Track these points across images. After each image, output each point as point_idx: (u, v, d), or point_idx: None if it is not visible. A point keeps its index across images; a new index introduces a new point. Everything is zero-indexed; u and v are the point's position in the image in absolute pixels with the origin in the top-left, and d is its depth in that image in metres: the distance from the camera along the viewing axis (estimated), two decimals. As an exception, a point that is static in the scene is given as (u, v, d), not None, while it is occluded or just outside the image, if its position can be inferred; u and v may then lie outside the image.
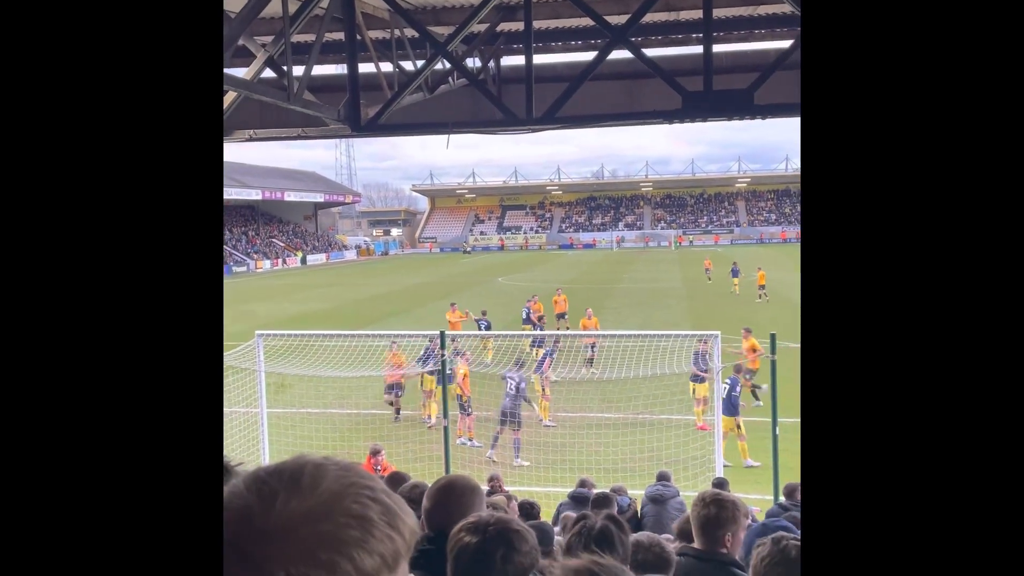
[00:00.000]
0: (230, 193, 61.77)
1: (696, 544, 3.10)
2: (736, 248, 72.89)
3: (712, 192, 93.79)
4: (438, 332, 10.90)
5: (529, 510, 6.06)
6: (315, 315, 30.39)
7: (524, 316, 21.48)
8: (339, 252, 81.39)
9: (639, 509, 7.16)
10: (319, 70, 8.68)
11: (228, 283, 42.01)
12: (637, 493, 7.85)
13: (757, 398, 14.32)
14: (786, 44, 7.09)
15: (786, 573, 1.99)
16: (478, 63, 8.62)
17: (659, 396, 12.92)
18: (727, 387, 11.56)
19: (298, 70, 6.90)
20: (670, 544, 3.61)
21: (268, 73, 6.85)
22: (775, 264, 49.63)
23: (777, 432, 8.87)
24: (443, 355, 9.93)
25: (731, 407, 11.53)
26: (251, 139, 8.59)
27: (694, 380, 13.20)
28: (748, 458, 11.48)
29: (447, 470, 9.72)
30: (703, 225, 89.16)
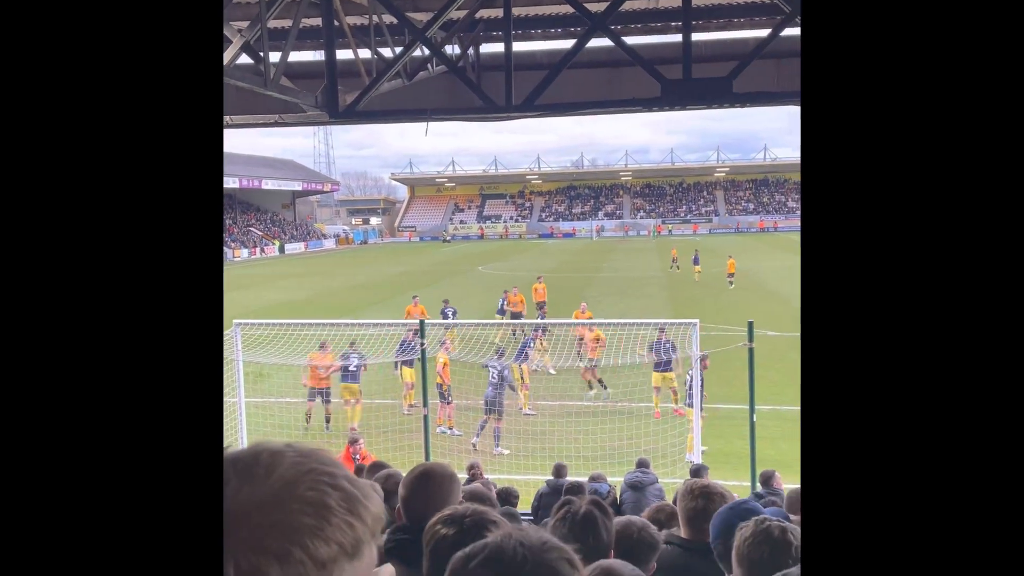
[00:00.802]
0: (207, 181, 60.88)
1: (683, 534, 3.12)
2: (714, 237, 73.33)
3: (691, 181, 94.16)
4: (417, 321, 10.87)
5: (507, 497, 6.08)
6: (294, 304, 30.20)
7: (499, 307, 21.37)
8: (318, 241, 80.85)
9: (618, 496, 7.21)
10: (296, 56, 8.58)
11: (205, 272, 41.38)
12: (617, 480, 7.89)
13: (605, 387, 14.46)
14: (764, 33, 7.11)
15: (770, 552, 2.01)
16: (457, 50, 8.57)
17: (638, 384, 13.00)
18: (690, 378, 11.55)
19: (275, 56, 6.82)
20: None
21: (244, 59, 6.76)
22: (754, 253, 49.98)
23: (755, 419, 8.94)
24: (423, 344, 9.89)
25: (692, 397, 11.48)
26: (228, 126, 8.48)
27: (657, 369, 13.04)
28: (690, 452, 11.51)
29: (427, 458, 9.72)
30: (682, 214, 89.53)
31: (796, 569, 1.67)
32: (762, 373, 10.93)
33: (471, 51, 8.83)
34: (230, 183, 67.31)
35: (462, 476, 6.52)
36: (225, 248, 63.07)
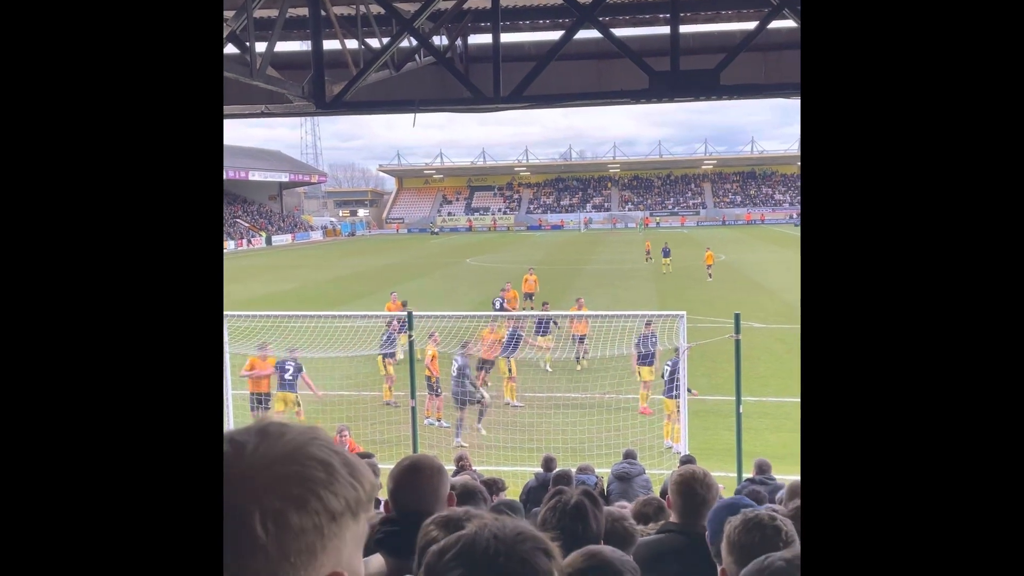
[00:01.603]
0: (193, 172, 60.44)
1: (676, 519, 3.15)
2: (702, 229, 73.54)
3: (679, 174, 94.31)
4: (405, 312, 10.85)
5: (492, 486, 6.10)
6: (281, 296, 30.07)
7: (498, 306, 21.10)
8: (305, 233, 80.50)
9: (605, 487, 7.24)
10: (283, 47, 8.52)
11: (191, 264, 41.11)
12: (604, 471, 7.92)
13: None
14: (752, 25, 7.12)
15: (760, 538, 2.02)
16: (445, 41, 8.53)
17: (626, 376, 13.04)
18: (668, 369, 11.52)
19: (261, 46, 6.76)
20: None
21: (230, 49, 6.71)
22: (740, 245, 50.17)
23: (741, 411, 8.99)
24: (410, 336, 9.88)
25: (675, 389, 11.47)
26: (213, 116, 8.40)
27: (641, 363, 12.94)
28: (668, 439, 11.49)
29: (415, 451, 9.72)
30: (670, 207, 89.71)
31: (786, 551, 1.69)
32: (748, 365, 11.00)
33: (459, 42, 8.79)
34: (216, 174, 66.66)
35: (449, 468, 6.53)
36: (211, 240, 62.66)
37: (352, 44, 7.78)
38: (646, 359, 12.77)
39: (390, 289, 24.13)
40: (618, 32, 7.71)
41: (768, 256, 42.14)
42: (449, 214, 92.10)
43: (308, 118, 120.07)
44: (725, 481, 8.56)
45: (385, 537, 2.23)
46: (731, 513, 2.56)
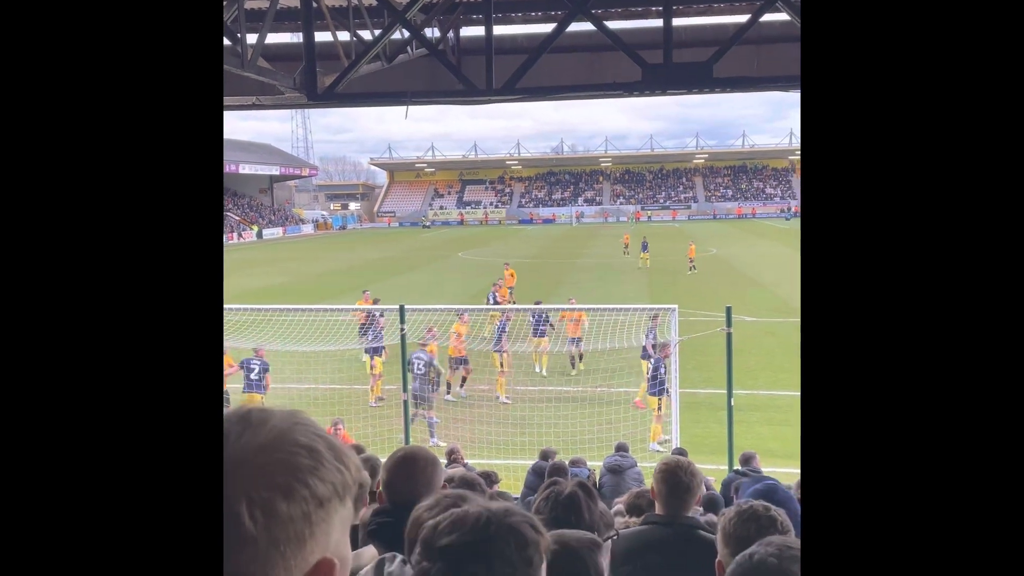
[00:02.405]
0: (182, 165, 60.19)
1: (660, 509, 3.13)
2: (693, 223, 73.66)
3: (670, 168, 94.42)
4: (397, 306, 10.83)
5: (485, 479, 6.11)
6: (273, 289, 29.98)
7: (491, 301, 21.01)
8: (296, 226, 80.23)
9: (598, 479, 7.26)
10: (274, 38, 8.46)
11: (181, 257, 40.97)
12: (596, 464, 7.94)
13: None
14: (744, 18, 7.11)
15: (756, 529, 2.03)
16: (437, 33, 8.50)
17: (617, 370, 13.06)
18: (651, 367, 11.50)
19: (252, 38, 6.72)
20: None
21: (220, 39, 6.66)
22: (731, 239, 50.29)
23: (732, 403, 9.02)
24: (402, 329, 9.85)
25: (657, 386, 11.42)
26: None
27: (644, 357, 12.95)
28: (654, 441, 11.40)
29: (407, 443, 9.72)
30: (661, 201, 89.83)
31: (772, 547, 1.69)
32: (739, 358, 11.03)
33: (451, 34, 8.76)
34: (206, 167, 66.38)
35: (441, 461, 6.53)
36: (201, 233, 62.46)
37: (344, 36, 7.74)
38: (644, 354, 12.82)
39: (382, 283, 24.08)
40: (611, 25, 7.70)
41: (759, 250, 42.28)
42: (441, 208, 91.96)
43: (299, 111, 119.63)
44: (716, 474, 8.59)
45: (378, 528, 2.22)
46: (766, 497, 2.56)
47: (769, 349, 17.14)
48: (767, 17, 6.56)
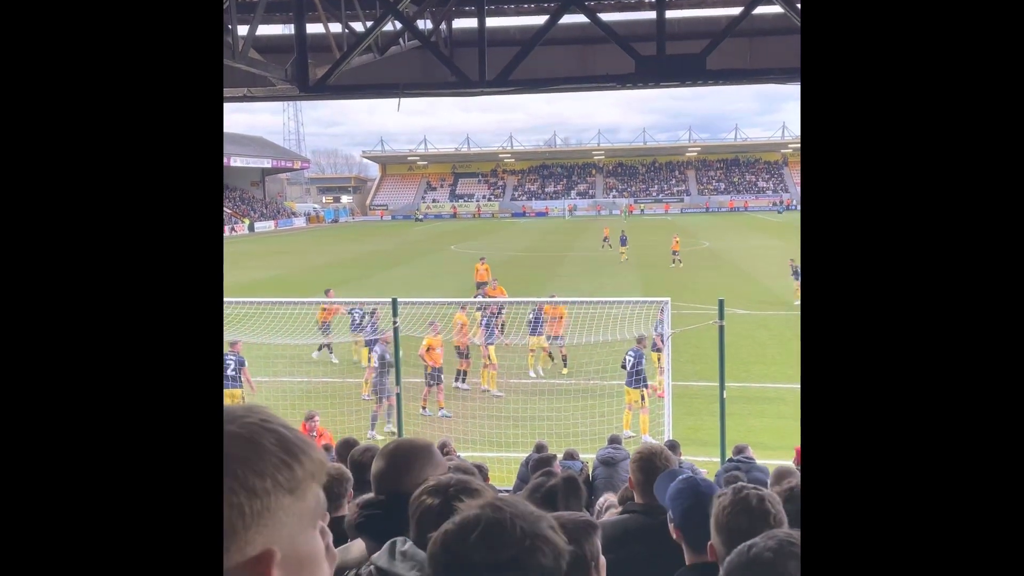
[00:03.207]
0: (174, 158, 60.00)
1: (638, 498, 3.14)
2: (686, 216, 73.75)
3: (663, 161, 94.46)
4: (389, 300, 10.80)
5: (476, 471, 6.11)
6: (265, 282, 29.91)
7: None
8: (288, 219, 79.97)
9: (591, 472, 7.26)
10: (265, 30, 8.41)
11: (173, 250, 40.86)
12: (589, 457, 7.95)
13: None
14: (737, 11, 7.10)
15: (748, 521, 2.03)
16: (429, 25, 8.45)
17: (610, 363, 13.07)
18: (632, 360, 11.48)
19: (243, 29, 6.67)
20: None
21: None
22: (723, 232, 50.38)
23: (724, 396, 9.05)
24: (396, 323, 9.83)
25: (636, 379, 11.42)
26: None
27: (655, 350, 12.97)
28: (647, 433, 11.36)
29: (400, 436, 9.71)
30: (654, 194, 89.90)
31: (771, 540, 1.69)
32: (732, 351, 11.05)
33: (444, 26, 8.72)
34: (198, 160, 66.13)
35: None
36: (193, 226, 62.25)
37: (336, 27, 7.69)
38: (655, 347, 12.83)
39: (375, 276, 24.01)
40: (604, 17, 7.67)
41: (752, 243, 42.36)
42: (433, 201, 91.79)
43: (290, 103, 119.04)
44: (709, 466, 8.62)
45: (366, 521, 2.20)
46: (670, 480, 2.57)
47: (762, 342, 17.19)
48: (760, 9, 6.55)
